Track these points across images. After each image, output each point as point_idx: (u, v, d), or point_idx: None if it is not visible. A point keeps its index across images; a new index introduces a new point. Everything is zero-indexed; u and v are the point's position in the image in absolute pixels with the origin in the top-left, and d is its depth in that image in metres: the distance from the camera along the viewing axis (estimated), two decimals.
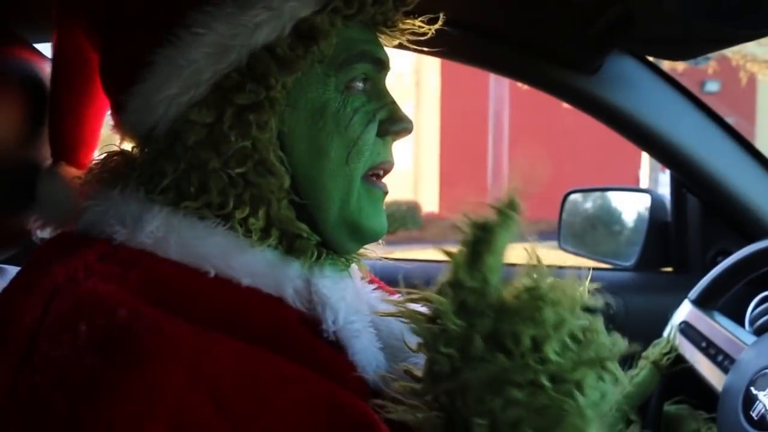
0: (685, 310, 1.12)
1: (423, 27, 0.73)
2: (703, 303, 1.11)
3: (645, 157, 9.19)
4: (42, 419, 0.48)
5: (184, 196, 0.61)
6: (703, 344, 1.05)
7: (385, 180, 0.70)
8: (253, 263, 0.61)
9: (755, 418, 0.86)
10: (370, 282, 0.76)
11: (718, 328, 1.04)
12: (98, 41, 0.68)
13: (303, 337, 0.61)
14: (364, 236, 0.68)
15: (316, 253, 0.64)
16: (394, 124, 0.68)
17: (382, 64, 0.68)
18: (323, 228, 0.65)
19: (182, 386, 0.49)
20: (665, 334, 1.12)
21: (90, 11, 0.67)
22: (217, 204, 0.61)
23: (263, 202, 0.62)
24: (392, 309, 0.69)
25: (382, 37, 0.73)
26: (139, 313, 0.51)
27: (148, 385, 0.48)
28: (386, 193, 0.70)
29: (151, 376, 0.48)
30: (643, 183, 9.20)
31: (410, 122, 0.69)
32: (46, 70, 0.85)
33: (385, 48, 0.71)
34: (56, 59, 0.73)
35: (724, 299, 1.10)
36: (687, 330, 1.09)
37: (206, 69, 0.60)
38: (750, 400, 0.87)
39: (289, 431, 0.52)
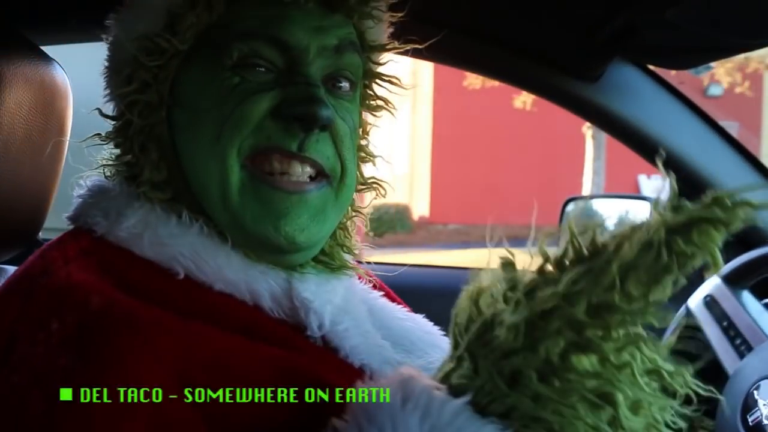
0: (713, 284, 1.08)
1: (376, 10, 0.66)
2: (732, 280, 1.06)
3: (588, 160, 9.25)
4: (20, 420, 0.47)
5: (160, 189, 0.62)
6: (725, 323, 1.01)
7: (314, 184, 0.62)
8: (225, 267, 0.59)
9: (750, 423, 0.84)
10: (374, 287, 0.74)
11: (742, 310, 1.01)
12: None
13: (282, 335, 0.59)
14: (255, 243, 0.61)
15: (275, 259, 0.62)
16: (290, 106, 0.59)
17: (281, 44, 0.61)
18: (221, 225, 0.62)
19: (160, 381, 0.48)
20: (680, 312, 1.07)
21: None
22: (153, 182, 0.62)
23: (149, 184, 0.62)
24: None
25: (356, 21, 0.66)
26: (113, 300, 0.51)
27: (125, 383, 0.47)
28: (289, 193, 0.60)
29: (128, 374, 0.48)
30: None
31: (320, 107, 0.59)
32: (53, 72, 0.85)
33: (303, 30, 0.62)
34: None
35: (756, 281, 1.06)
36: (711, 305, 1.06)
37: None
38: (749, 405, 0.86)
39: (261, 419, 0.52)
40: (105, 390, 0.46)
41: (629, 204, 1.76)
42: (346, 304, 0.65)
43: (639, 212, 1.62)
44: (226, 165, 0.59)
